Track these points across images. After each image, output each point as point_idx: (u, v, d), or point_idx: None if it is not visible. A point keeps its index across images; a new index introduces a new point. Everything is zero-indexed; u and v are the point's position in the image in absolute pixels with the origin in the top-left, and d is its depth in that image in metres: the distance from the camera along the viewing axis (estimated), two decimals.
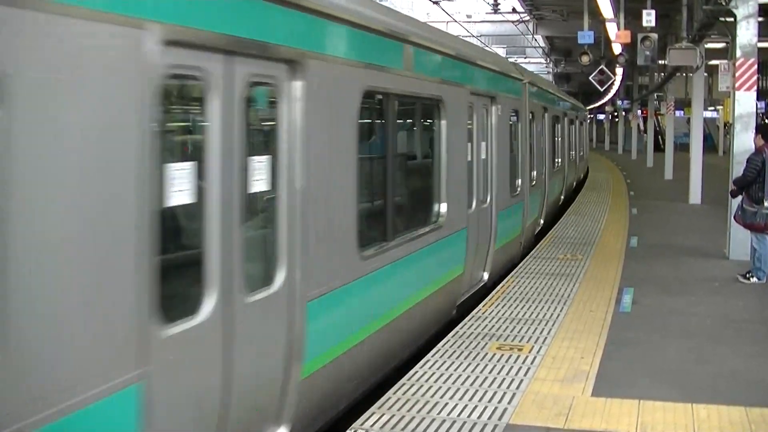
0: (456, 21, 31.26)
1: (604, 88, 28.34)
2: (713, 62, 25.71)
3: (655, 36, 18.63)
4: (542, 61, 45.25)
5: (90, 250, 3.49)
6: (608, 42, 24.87)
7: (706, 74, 26.75)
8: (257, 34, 4.87)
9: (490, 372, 6.91)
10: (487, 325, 8.46)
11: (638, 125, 53.29)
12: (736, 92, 12.64)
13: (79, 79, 3.41)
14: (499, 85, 11.74)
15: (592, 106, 55.38)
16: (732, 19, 13.02)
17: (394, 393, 6.37)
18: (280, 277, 5.23)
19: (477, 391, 6.43)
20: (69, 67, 3.34)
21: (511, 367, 7.05)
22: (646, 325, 8.70)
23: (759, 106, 29.23)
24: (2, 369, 3.01)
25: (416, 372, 6.89)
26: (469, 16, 34.72)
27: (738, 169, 11.76)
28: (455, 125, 9.08)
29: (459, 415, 5.92)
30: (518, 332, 8.18)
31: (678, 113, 36.77)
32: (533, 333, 8.15)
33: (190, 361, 4.25)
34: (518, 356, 7.36)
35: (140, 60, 3.76)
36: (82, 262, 3.45)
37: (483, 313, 8.95)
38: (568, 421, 5.86)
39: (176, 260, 4.44)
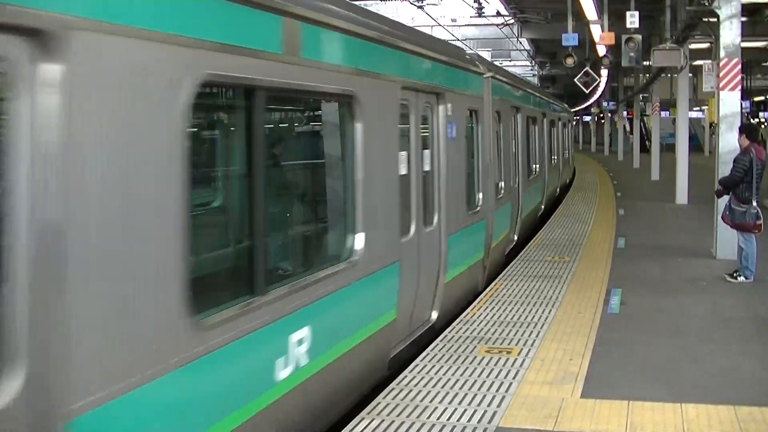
0: (441, 25, 31.30)
1: (589, 89, 28.42)
2: (697, 63, 25.80)
3: (639, 37, 18.69)
4: (527, 63, 45.38)
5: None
6: (592, 44, 24.91)
7: (690, 75, 26.87)
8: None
9: (479, 375, 6.90)
10: (475, 328, 8.46)
11: (624, 126, 53.49)
12: (721, 92, 12.68)
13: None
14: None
15: (577, 108, 55.55)
16: (715, 20, 13.07)
17: (384, 398, 6.35)
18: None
19: (466, 394, 6.42)
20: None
21: (500, 370, 7.05)
22: (635, 325, 8.71)
23: (743, 105, 29.39)
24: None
25: (405, 376, 6.88)
26: (453, 20, 34.75)
27: (724, 169, 11.80)
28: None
29: (449, 419, 5.91)
30: (507, 335, 8.18)
31: (663, 114, 36.91)
32: (522, 336, 8.15)
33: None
34: (507, 359, 7.36)
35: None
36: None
37: (471, 317, 8.95)
38: (558, 423, 5.86)
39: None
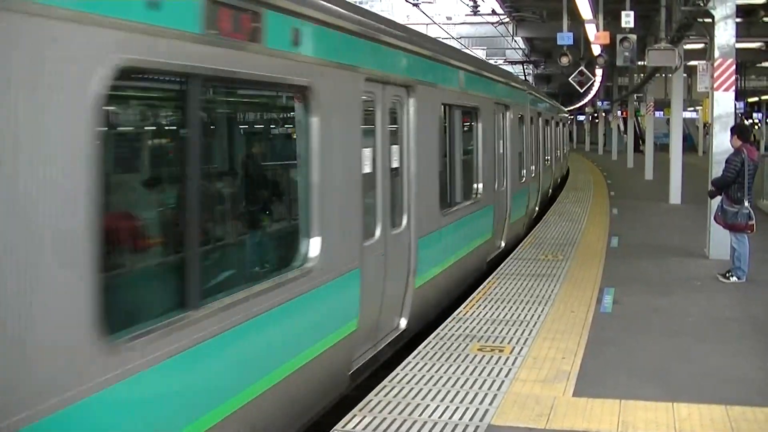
0: (436, 23, 31.28)
1: (584, 89, 28.41)
2: (692, 63, 25.87)
3: (634, 37, 18.68)
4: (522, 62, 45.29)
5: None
6: (588, 43, 24.93)
7: (685, 75, 26.91)
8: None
9: (471, 373, 6.90)
10: (468, 326, 8.45)
11: (618, 126, 53.54)
12: (715, 92, 12.69)
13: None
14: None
15: (572, 107, 55.61)
16: (710, 20, 13.07)
17: (376, 395, 6.34)
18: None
19: (459, 392, 6.42)
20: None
21: (493, 368, 7.05)
22: (627, 324, 8.72)
23: (738, 106, 29.43)
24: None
25: (398, 374, 6.87)
26: (449, 18, 34.76)
27: (717, 169, 11.81)
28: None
29: (441, 416, 5.91)
30: (499, 333, 8.18)
31: (658, 114, 36.94)
32: (514, 334, 8.15)
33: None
34: (499, 357, 7.36)
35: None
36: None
37: (464, 315, 8.94)
38: (550, 421, 5.86)
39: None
